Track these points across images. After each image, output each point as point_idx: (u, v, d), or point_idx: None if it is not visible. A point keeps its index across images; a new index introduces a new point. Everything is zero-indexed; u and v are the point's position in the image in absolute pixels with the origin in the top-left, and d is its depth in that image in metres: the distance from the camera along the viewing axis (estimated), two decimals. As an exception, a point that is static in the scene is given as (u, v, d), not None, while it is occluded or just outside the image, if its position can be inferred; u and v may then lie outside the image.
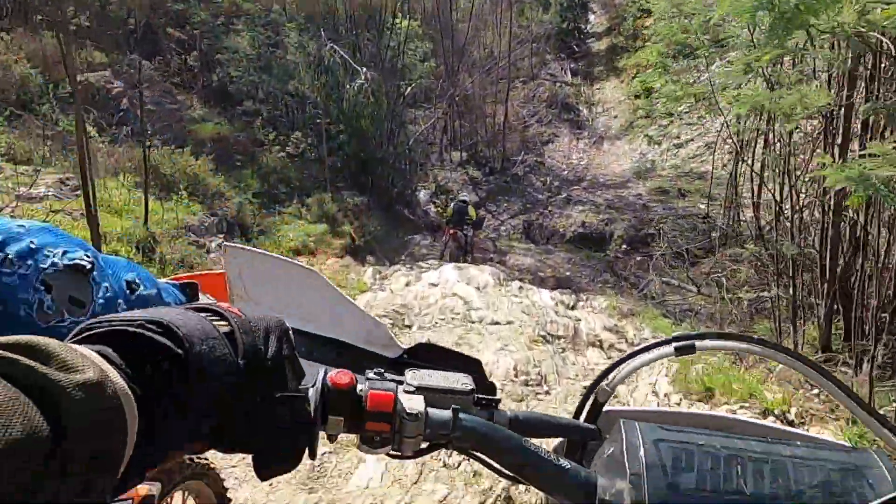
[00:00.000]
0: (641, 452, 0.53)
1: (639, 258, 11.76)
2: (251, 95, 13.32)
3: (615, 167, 19.50)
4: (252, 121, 11.85)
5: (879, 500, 0.48)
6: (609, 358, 4.78)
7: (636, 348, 0.67)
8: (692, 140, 18.86)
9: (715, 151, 15.37)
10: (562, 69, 26.47)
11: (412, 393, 0.56)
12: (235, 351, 0.47)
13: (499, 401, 0.63)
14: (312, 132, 12.80)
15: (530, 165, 20.28)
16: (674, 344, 0.64)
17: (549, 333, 4.90)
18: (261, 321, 0.51)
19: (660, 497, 0.51)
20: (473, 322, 4.95)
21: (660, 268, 11.43)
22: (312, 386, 0.53)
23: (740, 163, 9.84)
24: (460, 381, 0.59)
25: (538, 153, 20.97)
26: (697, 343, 0.64)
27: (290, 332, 0.53)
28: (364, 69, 12.32)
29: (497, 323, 4.98)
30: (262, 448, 0.49)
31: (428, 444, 0.56)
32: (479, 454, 0.57)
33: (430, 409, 0.54)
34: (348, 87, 12.18)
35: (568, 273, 10.87)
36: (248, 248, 0.72)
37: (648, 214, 15.04)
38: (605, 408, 0.66)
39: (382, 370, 0.58)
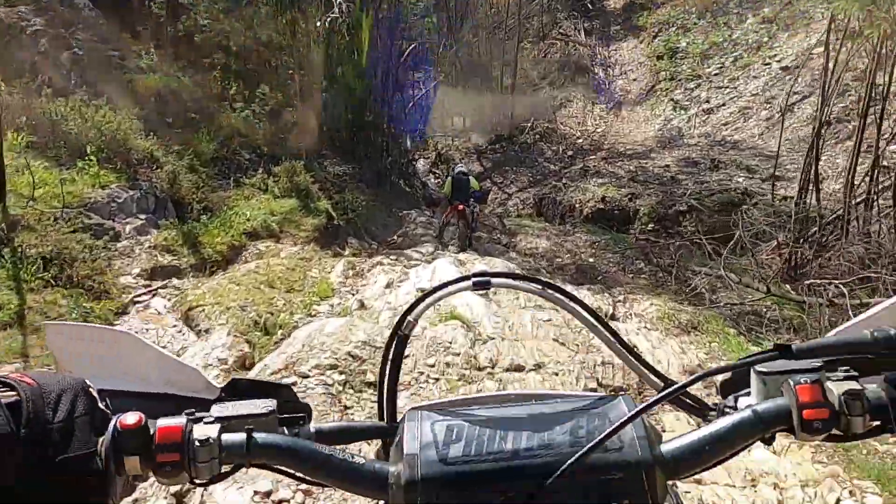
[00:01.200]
0: (417, 435, 0.59)
1: (676, 242, 9.89)
2: (222, 46, 11.33)
3: (636, 135, 17.53)
4: (217, 75, 9.86)
5: (609, 429, 0.55)
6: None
7: (438, 284, 0.74)
8: (724, 105, 16.85)
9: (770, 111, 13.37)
10: (575, 28, 24.24)
11: (210, 423, 0.58)
12: (18, 420, 0.51)
13: (302, 417, 0.67)
14: (286, 87, 10.84)
15: (541, 133, 18.30)
16: (473, 279, 0.73)
17: (602, 385, 3.13)
18: (56, 385, 0.56)
19: (431, 470, 0.55)
20: (482, 369, 3.16)
21: (697, 255, 9.59)
22: (103, 436, 0.56)
23: (821, 129, 7.78)
24: (261, 405, 0.63)
25: (549, 119, 18.96)
26: (493, 280, 0.74)
27: (90, 389, 0.58)
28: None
29: (519, 368, 3.20)
30: None
31: (228, 467, 0.59)
32: (281, 468, 0.60)
33: (224, 435, 0.57)
34: (318, 23, 10.16)
35: (591, 259, 9.07)
36: (69, 322, 0.79)
37: (678, 188, 13.14)
38: (410, 407, 0.67)
39: (194, 410, 0.60)
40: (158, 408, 0.62)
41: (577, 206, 13.52)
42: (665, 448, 0.58)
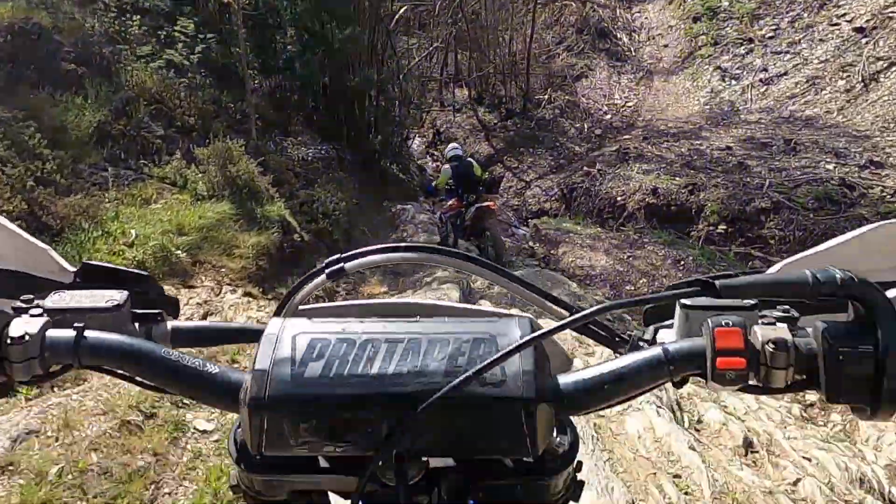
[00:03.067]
0: (273, 348, 0.51)
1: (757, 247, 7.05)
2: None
3: (677, 110, 14.55)
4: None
5: (485, 362, 0.48)
6: None
7: (298, 281, 0.68)
8: (785, 74, 13.88)
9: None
10: (591, -12, 21.07)
11: (36, 316, 0.52)
12: None
13: (160, 314, 0.61)
14: (229, 29, 7.68)
15: (560, 107, 15.27)
16: (326, 270, 0.66)
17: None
18: None
19: (279, 389, 0.49)
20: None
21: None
22: None
23: None
24: (107, 297, 0.57)
25: (569, 91, 15.90)
26: (347, 265, 0.66)
27: None
28: None
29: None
30: None
31: (54, 367, 0.53)
32: (118, 371, 0.54)
33: (50, 331, 0.52)
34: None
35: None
36: None
37: (750, 177, 10.23)
38: (304, 307, 0.64)
39: (32, 297, 0.55)
40: (5, 284, 0.58)
41: (619, 199, 10.58)
42: (561, 381, 0.52)
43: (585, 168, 11.82)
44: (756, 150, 11.26)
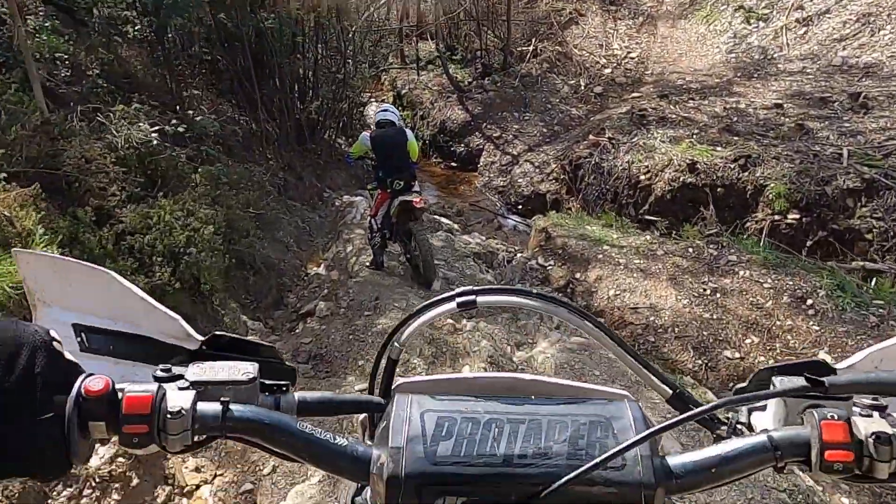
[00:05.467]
0: (406, 425, 0.54)
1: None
2: None
3: (694, 60, 11.86)
4: None
5: (614, 450, 0.50)
6: None
7: (420, 305, 0.68)
8: (828, 12, 11.21)
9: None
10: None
11: (185, 389, 0.56)
12: None
13: (287, 385, 0.63)
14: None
15: (549, 60, 12.41)
16: (456, 300, 0.67)
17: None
18: (9, 340, 0.51)
19: (415, 467, 0.52)
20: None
21: None
22: (69, 396, 0.52)
23: None
24: (241, 370, 0.59)
25: (558, 41, 13.03)
26: (479, 298, 0.67)
27: (53, 343, 0.53)
28: None
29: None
30: (19, 471, 0.50)
31: (202, 437, 0.56)
32: (258, 442, 0.56)
33: (199, 404, 0.55)
34: None
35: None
36: (38, 252, 0.72)
37: (816, 145, 7.66)
38: (399, 380, 0.63)
39: (170, 366, 0.58)
40: (136, 350, 0.63)
41: (642, 178, 7.89)
42: (671, 463, 0.54)
43: (592, 137, 9.04)
44: (814, 109, 8.65)
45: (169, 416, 0.52)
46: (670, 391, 0.68)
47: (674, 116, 9.06)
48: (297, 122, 8.08)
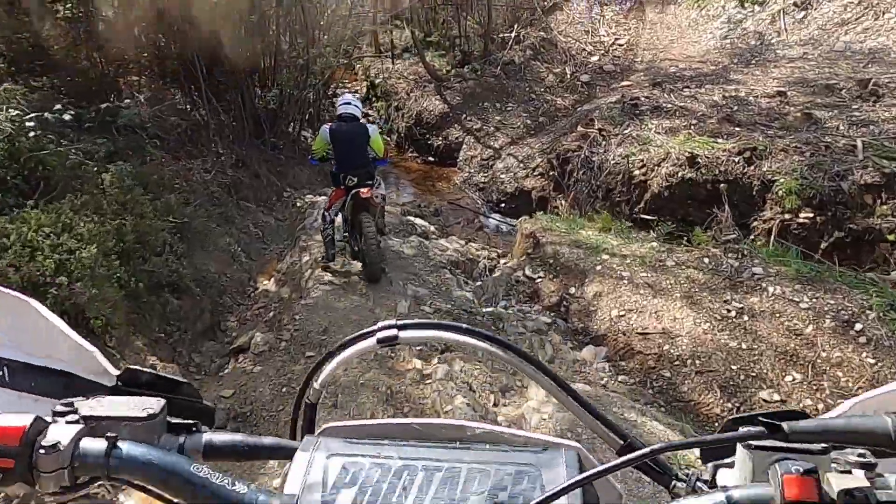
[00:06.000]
0: (305, 471, 0.51)
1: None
2: None
3: (685, 47, 11.18)
4: None
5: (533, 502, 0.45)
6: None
7: (339, 343, 0.63)
8: (827, -6, 10.56)
9: None
10: None
11: (72, 423, 0.51)
12: None
13: (195, 424, 0.59)
14: None
15: (533, 47, 11.65)
16: (377, 335, 0.62)
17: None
18: None
19: None
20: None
21: None
22: None
23: None
24: (144, 405, 0.54)
25: (542, 27, 12.28)
26: (401, 334, 0.61)
27: None
28: None
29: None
30: None
31: (85, 478, 0.51)
32: (145, 485, 0.51)
33: (84, 441, 0.50)
34: None
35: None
36: None
37: (826, 135, 7.00)
38: (326, 425, 0.57)
39: (72, 401, 0.54)
40: (56, 386, 0.60)
41: (637, 174, 7.18)
42: None
43: (580, 128, 8.30)
44: (820, 96, 7.99)
45: (42, 451, 0.47)
46: (620, 441, 0.59)
47: (669, 106, 8.35)
48: (255, 113, 7.23)
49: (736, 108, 8.00)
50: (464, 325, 0.62)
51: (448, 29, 12.72)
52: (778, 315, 3.63)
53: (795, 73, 8.87)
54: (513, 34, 11.91)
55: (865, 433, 0.46)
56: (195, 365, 3.49)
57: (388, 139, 11.32)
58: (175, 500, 0.51)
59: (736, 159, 6.73)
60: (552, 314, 4.09)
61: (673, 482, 0.57)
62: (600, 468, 0.47)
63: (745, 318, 3.67)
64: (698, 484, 0.55)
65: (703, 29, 11.40)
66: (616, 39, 12.13)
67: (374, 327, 0.62)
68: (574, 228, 5.28)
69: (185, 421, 0.58)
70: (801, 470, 0.44)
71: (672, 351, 3.52)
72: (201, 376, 3.32)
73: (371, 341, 0.61)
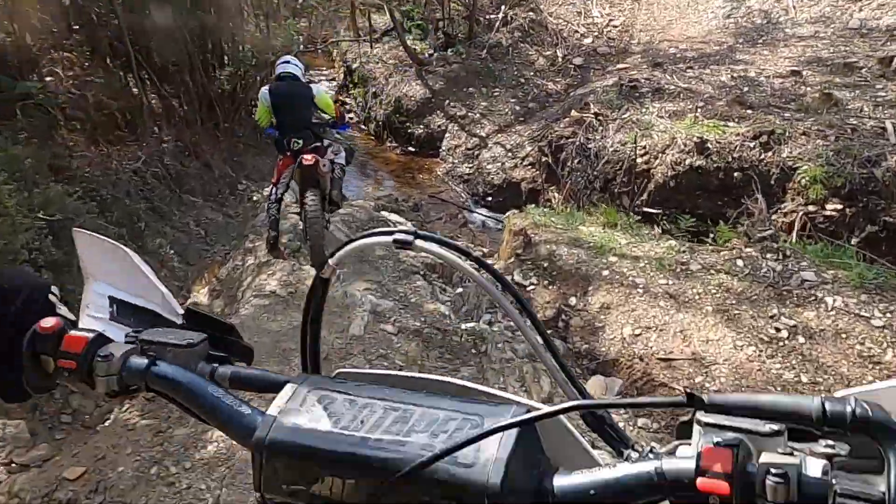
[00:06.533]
0: (288, 398, 0.56)
1: None
2: None
3: (686, 27, 10.40)
4: None
5: (459, 441, 0.48)
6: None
7: (362, 234, 0.66)
8: (835, -31, 9.81)
9: None
10: None
11: (131, 343, 0.62)
12: None
13: (226, 357, 0.67)
14: None
15: (521, 28, 10.82)
16: (395, 235, 0.64)
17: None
18: (14, 285, 0.64)
19: (279, 435, 0.53)
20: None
21: None
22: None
23: None
24: (187, 337, 0.64)
25: (530, 7, 11.46)
26: (417, 241, 0.64)
27: (50, 294, 0.66)
28: None
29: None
30: None
31: (131, 387, 0.61)
32: (173, 397, 0.60)
33: (132, 357, 0.61)
34: None
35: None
36: (92, 233, 0.78)
37: (850, 117, 6.27)
38: (341, 370, 0.65)
39: (140, 330, 0.65)
40: (145, 320, 0.70)
41: (639, 162, 6.40)
42: (555, 481, 0.50)
43: (575, 113, 7.50)
44: (839, 76, 7.25)
45: (98, 358, 0.59)
46: (579, 396, 0.61)
47: (672, 87, 7.57)
48: (209, 96, 6.37)
49: (746, 88, 7.24)
50: (475, 254, 0.68)
51: (431, 10, 11.87)
52: (844, 336, 2.82)
53: (808, 52, 8.13)
54: (500, 15, 11.08)
55: (788, 412, 0.44)
56: (70, 411, 2.62)
57: (365, 128, 10.47)
58: (194, 412, 0.59)
59: (751, 144, 5.97)
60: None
61: (628, 452, 0.55)
62: (527, 416, 0.49)
63: (801, 339, 2.87)
64: (647, 454, 0.52)
65: (704, 8, 10.62)
66: (610, 20, 11.34)
67: (394, 228, 0.68)
68: (572, 224, 4.45)
69: (220, 354, 0.66)
70: (722, 441, 0.44)
71: (707, 384, 2.72)
72: (62, 435, 2.46)
73: (387, 238, 0.63)
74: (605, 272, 3.62)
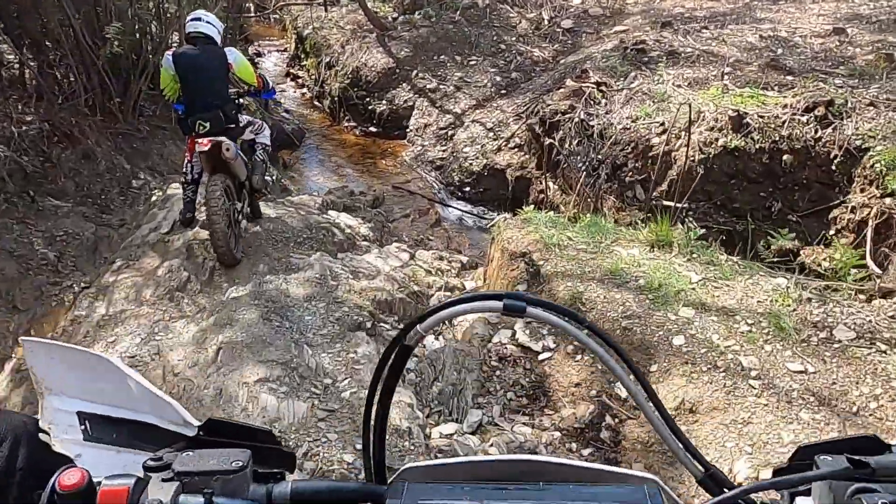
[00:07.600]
0: None
1: None
2: None
3: (690, -16, 8.99)
4: None
5: None
6: None
7: (461, 297, 0.59)
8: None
9: None
10: None
11: (169, 480, 0.53)
12: None
13: (282, 473, 0.60)
14: None
15: (500, -13, 9.33)
16: (504, 301, 0.57)
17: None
18: None
19: None
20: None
21: None
22: (43, 491, 0.51)
23: None
24: (232, 458, 0.56)
25: (510, -35, 9.95)
26: (529, 308, 0.57)
27: (40, 434, 0.54)
28: None
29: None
30: None
31: None
32: None
33: (181, 497, 0.52)
34: None
35: None
36: (47, 340, 0.68)
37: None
38: (404, 466, 0.59)
39: (161, 455, 0.56)
40: (137, 438, 0.62)
41: (654, 143, 5.06)
42: None
43: (571, 82, 6.10)
44: (892, 33, 5.95)
45: None
46: (702, 470, 0.58)
47: (688, 50, 6.20)
48: (97, 68, 4.80)
49: (781, 51, 5.91)
50: (587, 321, 0.60)
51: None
52: None
53: (843, 7, 6.83)
54: (474, -27, 9.55)
55: None
56: None
57: (319, 105, 8.92)
58: None
59: (804, 118, 4.64)
60: (581, 444, 1.87)
61: None
62: (734, 493, 0.47)
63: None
64: None
65: (709, -37, 9.24)
66: (601, -21, 9.89)
67: (503, 292, 0.58)
68: (598, 238, 2.95)
69: (270, 470, 0.58)
70: (887, 503, 0.42)
71: None
72: None
73: (497, 304, 0.56)
74: (678, 339, 2.17)
